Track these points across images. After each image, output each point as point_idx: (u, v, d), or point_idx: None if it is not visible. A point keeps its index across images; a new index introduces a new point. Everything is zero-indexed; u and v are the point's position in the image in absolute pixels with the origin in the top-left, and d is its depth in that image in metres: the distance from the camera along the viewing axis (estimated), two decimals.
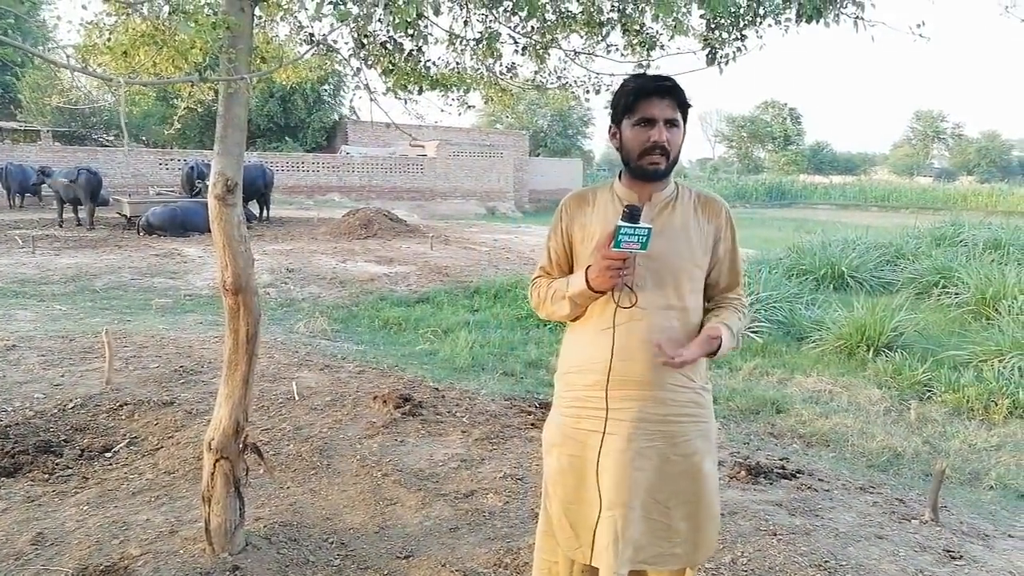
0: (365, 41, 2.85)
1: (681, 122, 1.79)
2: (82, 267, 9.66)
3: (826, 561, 2.78)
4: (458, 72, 3.36)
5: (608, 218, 1.82)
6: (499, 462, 3.70)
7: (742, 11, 2.91)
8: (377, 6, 2.47)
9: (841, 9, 2.77)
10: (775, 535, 2.98)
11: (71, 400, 4.26)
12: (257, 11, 2.61)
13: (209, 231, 2.71)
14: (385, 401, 4.41)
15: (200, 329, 6.45)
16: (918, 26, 2.79)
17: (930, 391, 5.72)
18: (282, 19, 3.18)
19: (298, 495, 3.26)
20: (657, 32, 3.15)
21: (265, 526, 2.92)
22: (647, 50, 3.18)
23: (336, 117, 31.08)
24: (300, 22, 3.16)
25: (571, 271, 1.92)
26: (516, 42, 3.26)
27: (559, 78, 3.56)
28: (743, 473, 3.68)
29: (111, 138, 26.54)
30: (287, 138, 29.48)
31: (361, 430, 4.04)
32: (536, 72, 3.50)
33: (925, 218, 18.91)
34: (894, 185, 44.04)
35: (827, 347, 7.05)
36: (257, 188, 15.89)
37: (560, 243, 1.93)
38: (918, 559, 2.85)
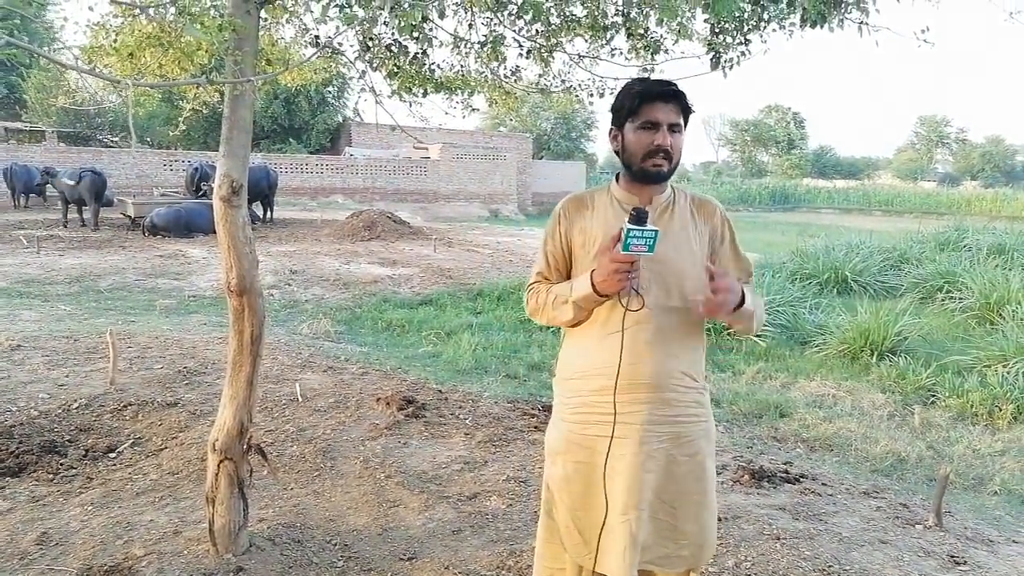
0: (370, 44, 2.86)
1: (683, 127, 1.79)
2: (86, 268, 9.68)
3: (829, 566, 2.77)
4: (462, 75, 3.37)
5: (608, 221, 1.82)
6: (502, 464, 3.71)
7: (746, 15, 2.90)
8: (382, 9, 2.48)
9: (845, 14, 2.77)
10: (778, 539, 2.98)
11: (75, 400, 4.27)
12: (263, 13, 2.61)
13: (213, 232, 2.72)
14: (388, 403, 4.41)
15: (204, 330, 6.47)
16: (922, 31, 2.78)
17: (934, 396, 5.71)
18: (287, 21, 3.19)
19: (301, 496, 3.27)
20: (661, 36, 3.15)
21: (269, 527, 2.92)
22: (651, 54, 3.18)
23: (340, 119, 31.12)
24: (306, 24, 3.17)
25: (569, 276, 1.91)
26: (520, 45, 3.26)
27: (563, 81, 3.57)
28: (746, 477, 3.67)
29: (116, 139, 26.60)
30: (291, 140, 29.52)
31: (364, 432, 4.04)
32: (540, 75, 3.50)
33: (929, 223, 18.89)
34: (898, 189, 44.00)
35: (831, 351, 7.04)
36: (261, 190, 15.93)
37: (559, 247, 1.92)
38: (922, 564, 2.84)
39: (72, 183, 13.80)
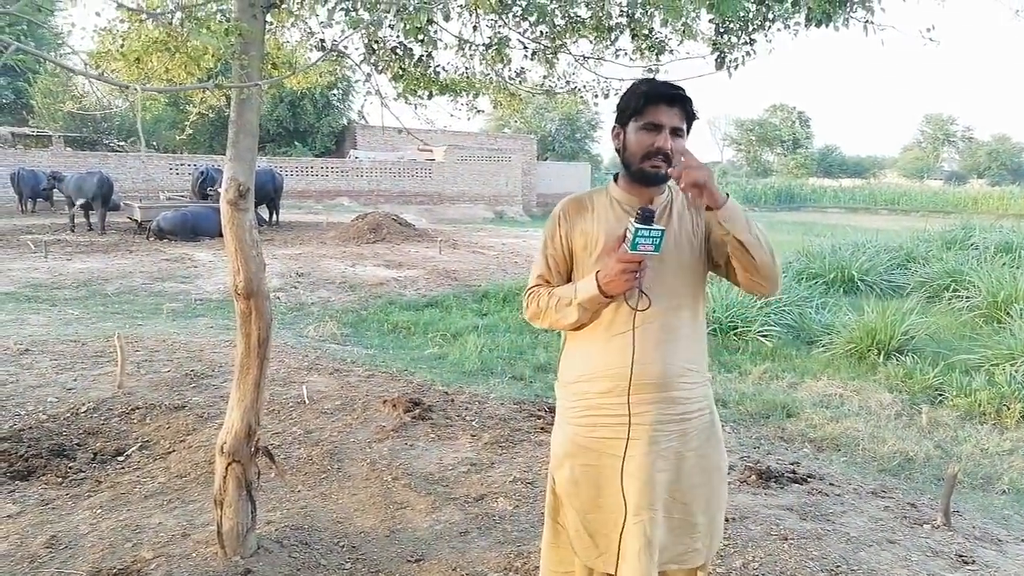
0: (376, 47, 2.88)
1: (685, 132, 1.79)
2: (94, 272, 9.73)
3: (837, 566, 2.77)
4: (467, 77, 3.38)
5: (609, 223, 1.82)
6: (509, 466, 3.71)
7: (751, 15, 2.91)
8: (388, 12, 2.49)
9: (850, 13, 2.77)
10: (786, 540, 2.97)
11: (84, 404, 4.29)
12: (269, 17, 2.63)
13: (219, 236, 2.73)
14: (395, 405, 4.42)
15: (211, 333, 6.49)
16: (928, 30, 2.78)
17: (941, 395, 5.69)
18: (293, 25, 3.20)
19: (309, 499, 3.28)
20: (666, 37, 3.15)
21: (276, 529, 2.93)
22: (656, 55, 3.19)
23: (345, 122, 31.20)
24: (311, 28, 3.18)
25: (570, 278, 1.90)
26: (525, 47, 3.27)
27: (568, 82, 3.57)
28: (753, 477, 3.67)
29: (122, 143, 26.71)
30: (296, 143, 29.61)
31: (371, 434, 4.05)
32: (545, 77, 3.51)
33: (935, 221, 18.82)
34: (904, 188, 43.87)
35: (837, 351, 7.02)
36: (267, 193, 15.99)
37: (560, 250, 1.90)
38: (930, 564, 2.83)
39: (79, 187, 13.84)
